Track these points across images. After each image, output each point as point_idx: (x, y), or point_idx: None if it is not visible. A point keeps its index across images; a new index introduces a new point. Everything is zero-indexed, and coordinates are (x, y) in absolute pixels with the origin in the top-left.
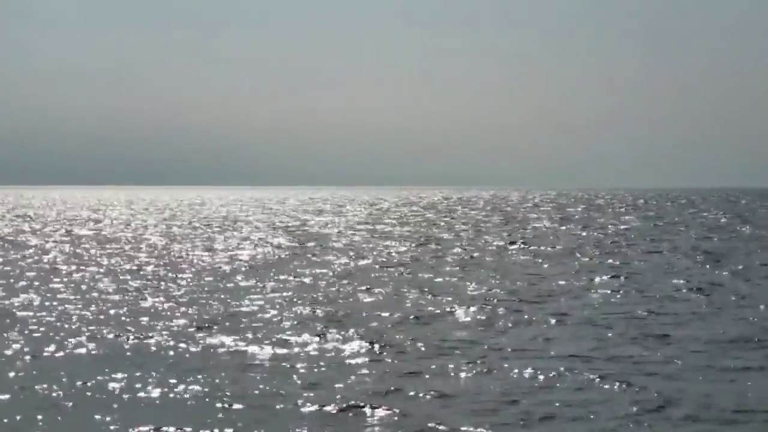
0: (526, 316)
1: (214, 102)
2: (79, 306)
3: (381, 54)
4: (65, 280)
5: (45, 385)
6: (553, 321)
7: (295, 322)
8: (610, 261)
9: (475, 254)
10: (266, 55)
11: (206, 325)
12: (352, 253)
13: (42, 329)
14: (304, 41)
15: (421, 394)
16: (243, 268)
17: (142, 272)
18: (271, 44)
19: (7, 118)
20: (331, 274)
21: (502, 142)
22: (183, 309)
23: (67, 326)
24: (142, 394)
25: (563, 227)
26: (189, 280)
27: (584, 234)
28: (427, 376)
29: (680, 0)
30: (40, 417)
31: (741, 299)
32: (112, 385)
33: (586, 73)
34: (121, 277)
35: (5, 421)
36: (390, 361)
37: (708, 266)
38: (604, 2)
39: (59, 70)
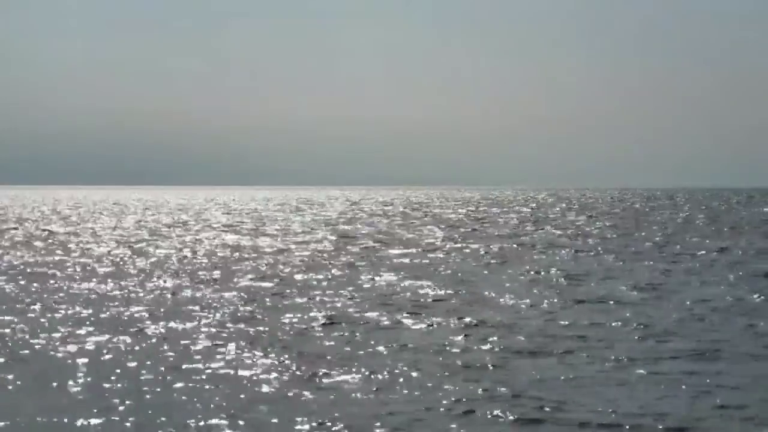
0: (435, 322)
1: (215, 102)
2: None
3: (382, 54)
4: None
5: None
6: (456, 326)
7: (206, 325)
8: (547, 263)
9: (419, 256)
10: (266, 55)
11: (108, 329)
12: (285, 255)
13: None
14: (303, 41)
15: (315, 398)
16: (172, 269)
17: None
18: (270, 44)
19: (7, 118)
20: (263, 275)
21: (505, 143)
22: (87, 311)
23: None
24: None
25: (530, 227)
26: (102, 281)
27: (544, 233)
28: (324, 381)
29: (680, 0)
30: None
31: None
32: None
33: (588, 73)
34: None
35: None
36: (289, 365)
37: (636, 268)
38: (601, 2)
39: (59, 70)
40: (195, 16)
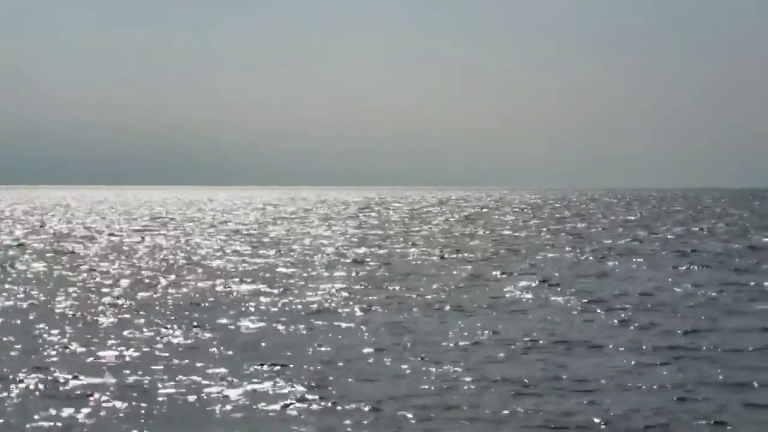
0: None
1: (215, 102)
2: None
3: (382, 54)
4: None
5: None
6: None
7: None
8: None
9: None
10: (264, 54)
11: None
12: (182, 254)
13: None
14: (302, 41)
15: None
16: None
17: None
18: (267, 44)
19: (7, 118)
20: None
21: (505, 144)
22: None
23: None
24: None
25: (467, 228)
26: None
27: (479, 233)
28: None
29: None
30: None
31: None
32: None
33: (588, 73)
34: None
35: None
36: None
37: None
38: (601, 2)
39: (58, 70)
40: (195, 16)
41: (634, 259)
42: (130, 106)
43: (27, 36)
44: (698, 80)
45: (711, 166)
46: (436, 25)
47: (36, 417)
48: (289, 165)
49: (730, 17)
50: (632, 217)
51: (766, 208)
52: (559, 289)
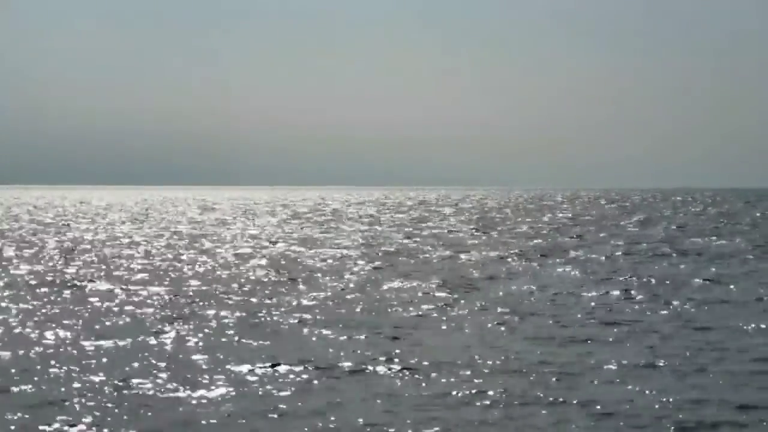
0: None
1: (216, 102)
2: None
3: (383, 54)
4: None
5: None
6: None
7: None
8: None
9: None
10: (262, 54)
11: None
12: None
13: None
14: (300, 41)
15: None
16: None
17: None
18: (265, 44)
19: (7, 118)
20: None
21: (509, 144)
22: None
23: None
24: None
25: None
26: None
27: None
28: None
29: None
30: None
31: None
32: None
33: (588, 73)
34: None
35: None
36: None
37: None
38: (603, 3)
39: (57, 70)
40: (196, 16)
41: (550, 261)
42: (131, 106)
43: (27, 36)
44: (699, 80)
45: (711, 167)
46: (435, 25)
47: None
48: (291, 165)
49: (729, 17)
50: (576, 217)
51: (742, 207)
52: (453, 291)
